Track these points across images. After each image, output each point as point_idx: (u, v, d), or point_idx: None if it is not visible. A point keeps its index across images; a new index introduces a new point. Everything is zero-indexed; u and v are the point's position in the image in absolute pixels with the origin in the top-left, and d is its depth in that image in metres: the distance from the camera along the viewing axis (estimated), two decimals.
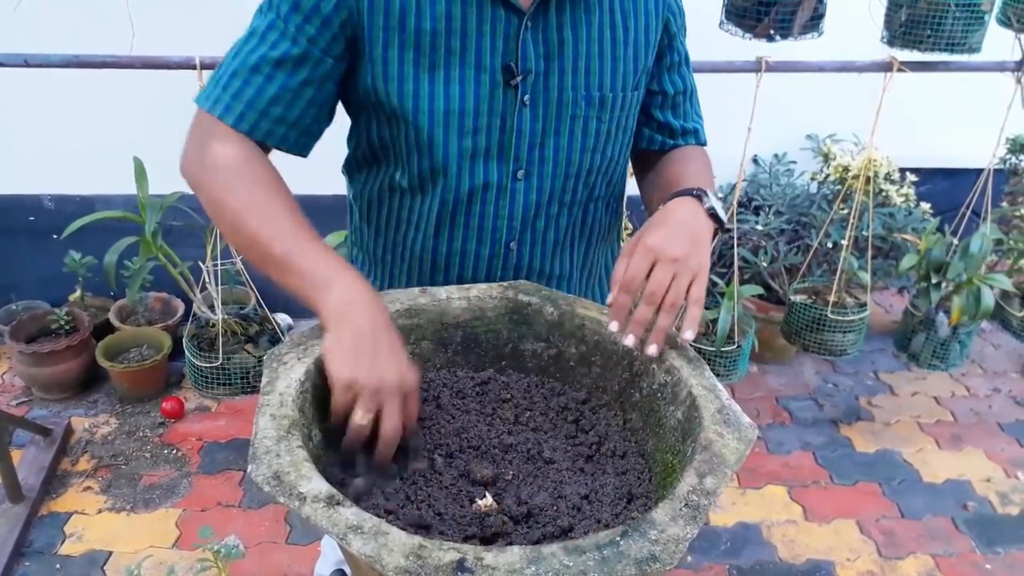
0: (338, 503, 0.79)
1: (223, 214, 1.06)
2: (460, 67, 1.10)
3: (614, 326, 1.02)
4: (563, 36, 1.12)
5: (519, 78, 1.11)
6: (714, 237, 1.09)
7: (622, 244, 1.45)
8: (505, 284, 1.15)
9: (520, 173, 1.18)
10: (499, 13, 1.09)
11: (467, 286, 1.15)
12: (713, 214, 1.08)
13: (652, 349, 1.01)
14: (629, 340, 1.01)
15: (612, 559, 0.74)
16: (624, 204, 1.39)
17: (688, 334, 1.00)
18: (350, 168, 1.32)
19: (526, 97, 1.13)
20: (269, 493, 0.80)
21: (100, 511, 2.29)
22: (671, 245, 1.01)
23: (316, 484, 0.81)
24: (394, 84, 1.11)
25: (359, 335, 0.95)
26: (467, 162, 1.16)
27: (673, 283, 1.00)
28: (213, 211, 1.08)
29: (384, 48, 1.09)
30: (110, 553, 2.16)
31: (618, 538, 0.76)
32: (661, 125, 1.29)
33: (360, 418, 0.92)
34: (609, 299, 1.04)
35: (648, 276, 1.00)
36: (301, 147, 1.15)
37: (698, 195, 1.08)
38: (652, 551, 0.75)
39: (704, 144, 1.33)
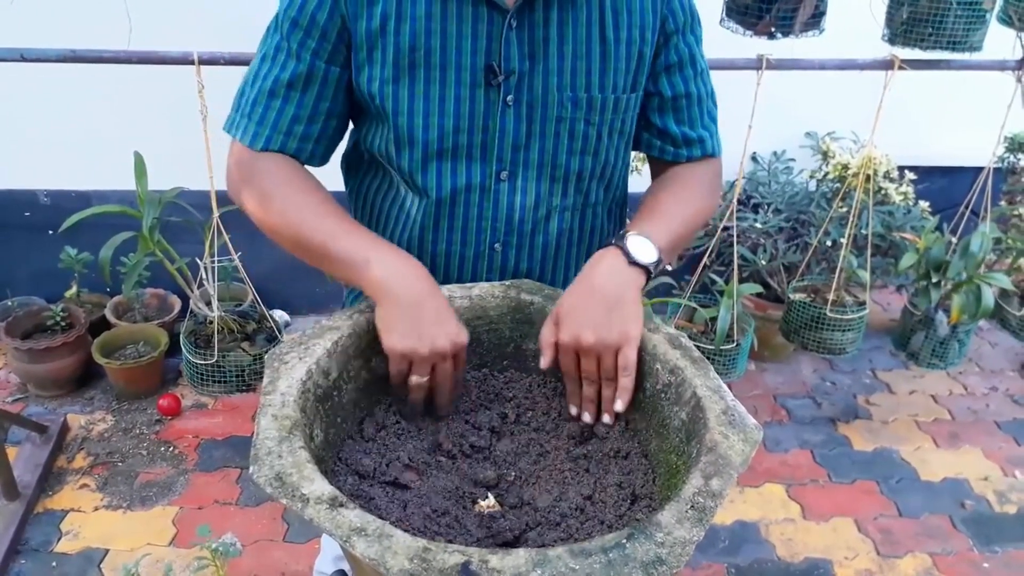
0: (341, 505, 0.78)
1: (268, 219, 1.11)
2: (441, 68, 1.09)
3: (573, 410, 1.08)
4: (548, 35, 1.10)
5: (501, 78, 1.10)
6: (648, 281, 1.07)
7: None
8: (507, 283, 1.15)
9: (504, 175, 1.17)
10: (481, 12, 1.08)
11: (469, 285, 1.14)
12: (635, 263, 1.05)
13: (606, 418, 1.05)
14: (586, 417, 1.06)
15: (618, 562, 0.74)
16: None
17: (618, 405, 1.03)
18: (346, 163, 1.32)
19: (509, 97, 1.12)
20: (271, 495, 0.79)
21: (96, 509, 2.28)
22: (585, 332, 1.01)
23: (319, 485, 0.80)
24: (376, 85, 1.10)
25: (405, 306, 1.00)
26: (448, 163, 1.15)
27: (600, 366, 1.03)
28: (258, 218, 1.12)
29: (368, 52, 1.09)
30: (107, 551, 2.15)
31: (624, 541, 0.76)
32: (660, 131, 1.23)
33: (416, 382, 1.01)
34: (542, 363, 1.07)
35: (579, 364, 1.04)
36: (323, 158, 1.18)
37: (619, 245, 1.06)
38: (659, 554, 0.75)
39: (713, 155, 1.26)
